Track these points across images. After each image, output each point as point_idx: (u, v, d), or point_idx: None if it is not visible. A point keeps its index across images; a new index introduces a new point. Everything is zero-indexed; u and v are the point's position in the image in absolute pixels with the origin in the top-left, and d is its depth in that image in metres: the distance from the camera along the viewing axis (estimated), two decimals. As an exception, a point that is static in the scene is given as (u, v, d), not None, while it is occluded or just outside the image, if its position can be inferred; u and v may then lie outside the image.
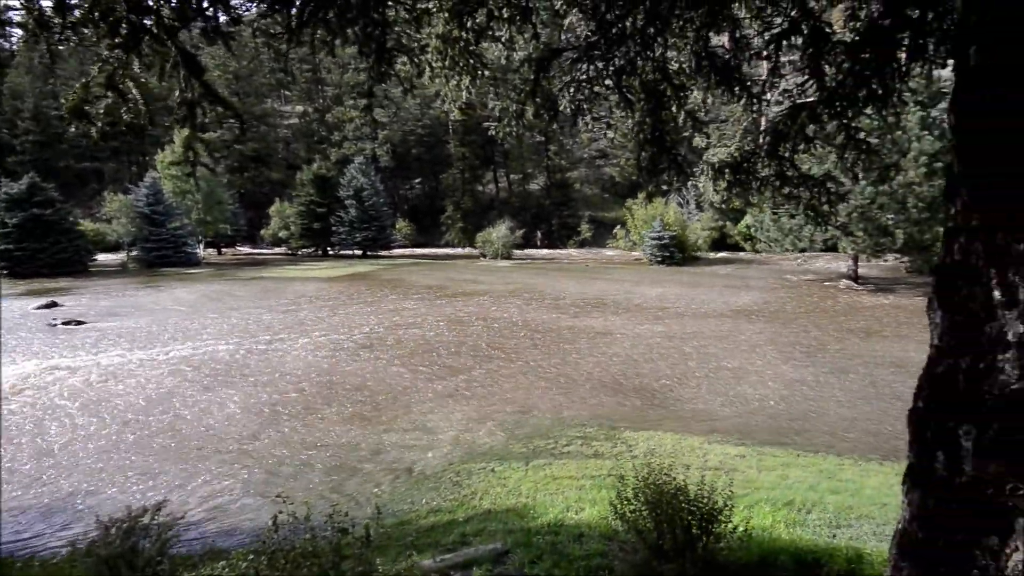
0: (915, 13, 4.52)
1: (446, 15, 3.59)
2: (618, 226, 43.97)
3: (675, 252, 36.41)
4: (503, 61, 5.39)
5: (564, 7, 4.90)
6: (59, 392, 12.07)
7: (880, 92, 4.83)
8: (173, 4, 2.43)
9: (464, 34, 4.08)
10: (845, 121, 5.06)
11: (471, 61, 4.40)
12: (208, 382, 12.65)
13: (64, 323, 19.46)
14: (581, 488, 6.76)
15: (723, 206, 40.44)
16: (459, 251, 50.75)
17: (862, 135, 5.01)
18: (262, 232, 53.88)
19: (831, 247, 27.40)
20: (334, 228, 47.38)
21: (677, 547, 4.23)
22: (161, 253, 39.76)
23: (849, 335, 16.38)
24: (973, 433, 2.19)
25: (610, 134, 52.17)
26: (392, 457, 8.56)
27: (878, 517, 5.96)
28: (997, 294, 2.13)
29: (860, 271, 26.19)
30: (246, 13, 2.97)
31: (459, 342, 15.99)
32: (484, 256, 44.71)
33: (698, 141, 5.74)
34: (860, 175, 20.43)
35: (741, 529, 4.76)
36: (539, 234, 52.78)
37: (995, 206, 2.14)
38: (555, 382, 12.20)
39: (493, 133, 5.16)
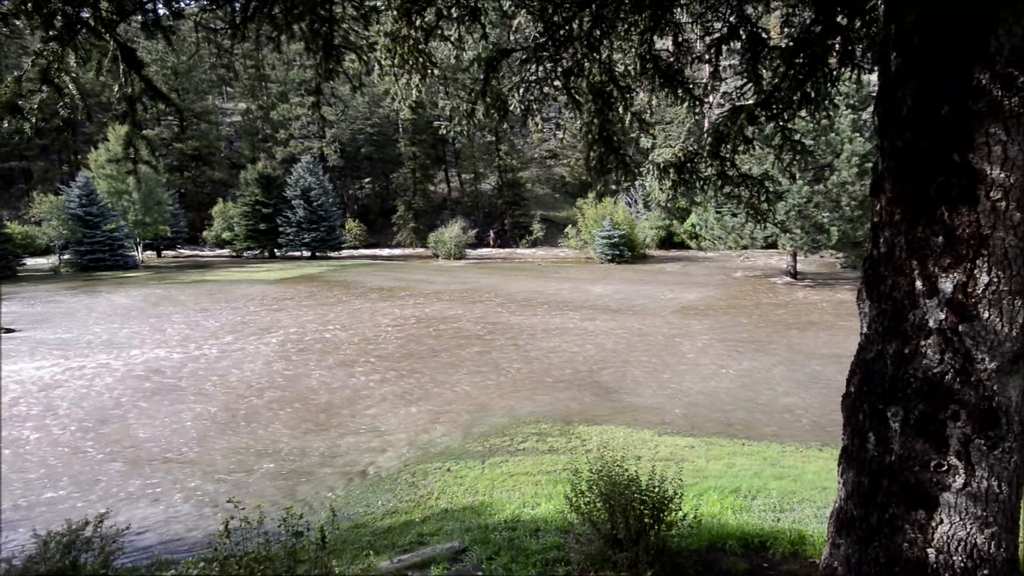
0: (844, 20, 4.80)
1: (395, 13, 3.56)
2: (569, 225, 44.53)
3: (624, 251, 37.21)
4: (453, 60, 5.40)
5: (512, 8, 4.94)
6: (-21, 407, 11.22)
7: (813, 95, 5.11)
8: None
9: (413, 32, 4.05)
10: (781, 123, 5.31)
11: (420, 60, 4.37)
12: (150, 390, 12.04)
13: (-14, 332, 18.07)
14: (537, 483, 6.82)
15: (668, 205, 41.64)
16: (411, 251, 50.17)
17: (797, 136, 5.27)
18: (204, 234, 51.68)
19: (771, 244, 28.66)
20: (281, 229, 45.97)
21: (631, 536, 4.34)
22: (96, 256, 37.51)
23: (789, 329, 17.18)
24: (900, 415, 2.35)
25: (560, 134, 52.80)
26: (346, 461, 8.39)
27: (819, 500, 6.28)
28: (919, 284, 2.30)
29: (798, 267, 27.51)
30: (188, 7, 2.86)
31: (412, 343, 15.83)
32: (437, 256, 44.39)
33: (644, 142, 5.90)
34: (797, 175, 21.46)
35: (691, 516, 4.94)
36: (492, 234, 52.82)
37: (916, 201, 2.31)
38: (510, 380, 12.26)
39: (444, 132, 5.16)
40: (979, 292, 2.20)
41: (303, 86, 52.33)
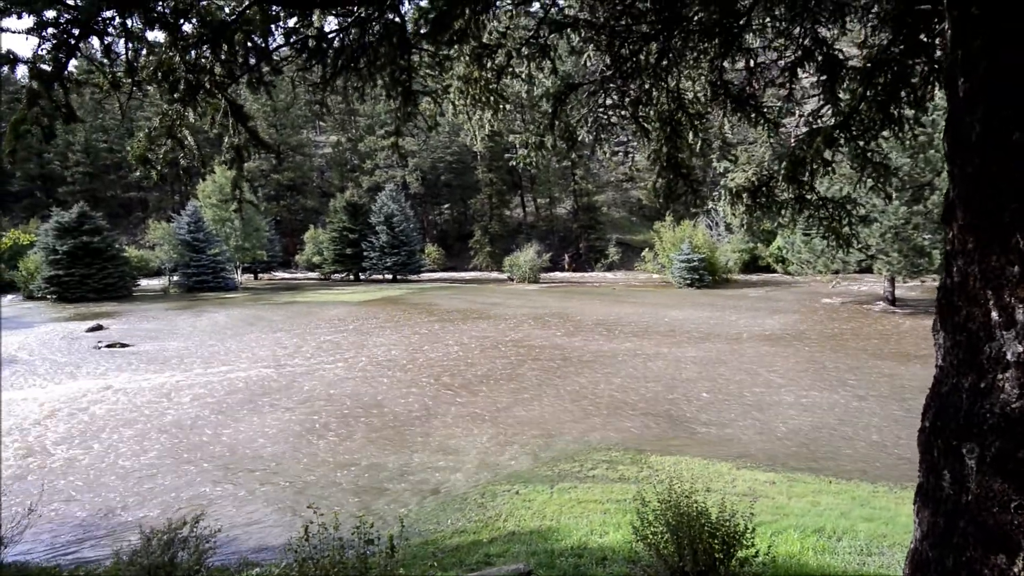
0: (925, 39, 4.61)
1: (467, 58, 3.84)
2: (646, 249, 43.81)
3: (704, 274, 36.04)
4: (524, 95, 5.65)
5: (581, 44, 5.13)
6: (104, 412, 12.62)
7: (896, 116, 4.91)
8: (223, 59, 2.73)
9: (485, 74, 4.33)
10: (862, 144, 5.12)
11: (491, 98, 4.64)
12: (242, 402, 13.05)
13: (108, 346, 20.34)
14: (606, 512, 6.75)
15: (742, 227, 40.01)
16: (487, 275, 51.22)
17: (878, 158, 5.06)
18: (296, 257, 55.59)
19: (866, 269, 26.75)
20: (365, 253, 48.51)
21: (699, 570, 4.24)
22: (200, 278, 41.33)
23: (884, 359, 15.93)
24: (976, 452, 2.23)
25: (632, 159, 52.35)
26: (419, 478, 8.69)
27: (911, 537, 5.81)
28: (995, 315, 2.20)
29: (897, 293, 25.48)
30: (286, 65, 3.27)
31: (485, 365, 16.13)
32: (512, 280, 45.02)
33: (718, 165, 5.85)
34: (893, 195, 20.06)
35: (766, 554, 4.74)
36: (567, 257, 52.92)
37: (989, 229, 2.22)
38: (581, 405, 12.20)
39: (514, 164, 5.39)
40: (1062, 324, 2.07)
41: (388, 120, 55.55)
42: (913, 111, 4.77)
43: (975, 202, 2.27)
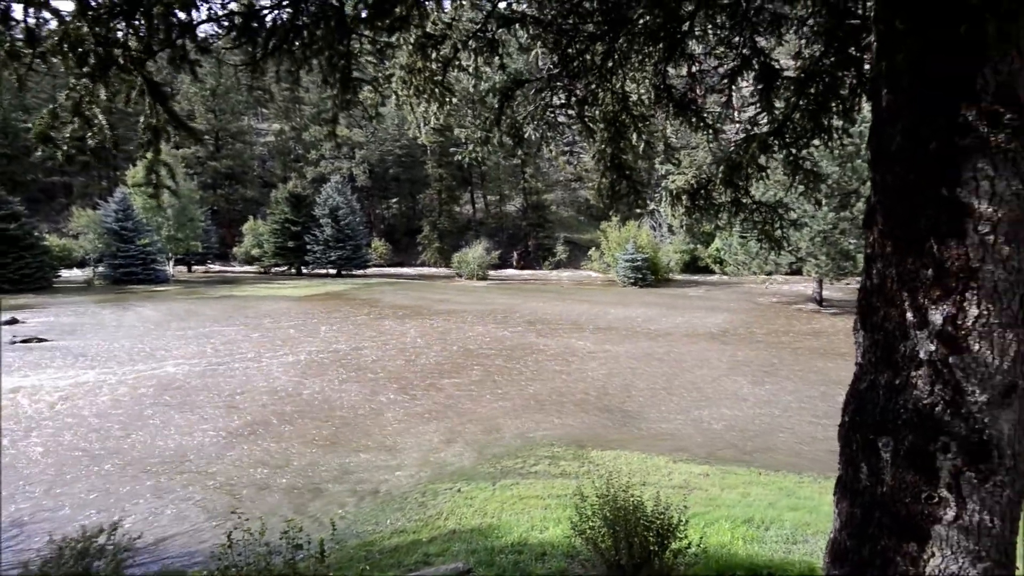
0: (854, 52, 4.84)
1: (410, 47, 3.74)
2: (593, 248, 44.56)
3: (647, 274, 37.04)
4: (471, 90, 5.59)
5: (529, 41, 5.11)
6: (14, 412, 11.67)
7: (826, 125, 5.14)
8: (141, 35, 2.53)
9: (429, 64, 4.24)
10: (794, 152, 5.34)
11: (437, 90, 4.55)
12: (170, 402, 12.37)
13: (23, 341, 18.84)
14: (547, 507, 6.80)
15: (683, 229, 41.42)
16: (435, 271, 50.75)
17: (809, 165, 5.29)
18: (234, 250, 53.24)
19: (796, 271, 28.22)
20: (308, 246, 47.04)
21: (634, 563, 4.33)
22: (129, 270, 38.89)
23: (813, 356, 16.84)
24: (891, 445, 2.35)
25: (574, 161, 53.12)
26: (358, 478, 8.48)
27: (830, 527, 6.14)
28: (910, 315, 2.32)
29: (824, 293, 27.00)
30: (214, 43, 3.08)
31: (430, 362, 15.96)
32: (460, 276, 44.80)
33: (661, 168, 5.98)
34: (823, 202, 21.22)
35: (698, 545, 4.89)
36: (515, 255, 53.15)
37: (906, 235, 2.34)
38: (526, 402, 12.26)
39: (459, 159, 5.32)
40: (969, 324, 2.21)
41: (322, 112, 54.03)
42: (842, 121, 5.01)
43: (894, 209, 2.39)
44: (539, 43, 5.06)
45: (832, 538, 2.70)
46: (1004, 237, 2.14)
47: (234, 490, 8.17)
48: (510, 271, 50.13)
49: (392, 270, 51.71)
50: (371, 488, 8.14)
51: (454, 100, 4.95)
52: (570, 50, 4.98)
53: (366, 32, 3.08)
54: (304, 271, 49.29)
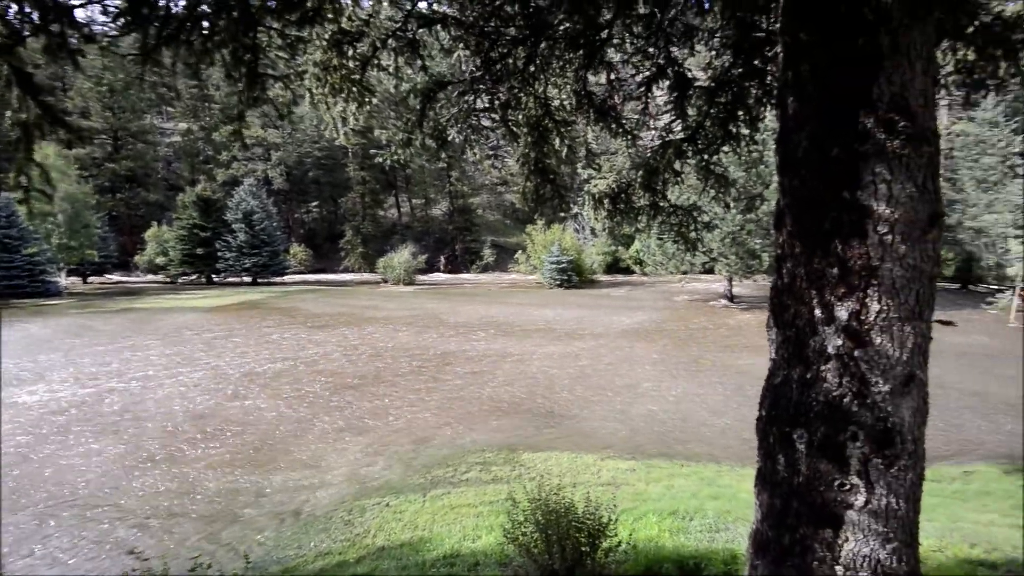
0: (759, 64, 5.11)
1: (325, 43, 3.56)
2: (519, 251, 45.00)
3: (572, 276, 37.88)
4: (392, 90, 5.42)
5: (451, 43, 5.03)
6: None
7: (735, 132, 5.40)
8: (7, 17, 2.22)
9: (346, 62, 4.06)
10: (706, 157, 5.58)
11: (355, 89, 4.37)
12: (63, 428, 11.17)
13: None
14: (479, 515, 6.71)
15: (605, 231, 42.82)
16: (359, 277, 49.32)
17: (720, 170, 5.54)
18: (136, 258, 49.18)
19: (709, 270, 29.84)
20: (220, 253, 44.33)
21: (567, 566, 4.33)
22: (13, 283, 34.89)
23: (727, 351, 17.81)
24: (805, 437, 2.47)
25: (499, 165, 53.55)
26: (277, 500, 8.00)
27: (751, 519, 6.45)
28: (818, 312, 2.45)
29: (734, 291, 28.69)
30: (99, 30, 2.77)
31: (355, 372, 15.43)
32: (386, 282, 43.83)
33: (583, 172, 6.08)
34: (731, 205, 22.53)
35: (628, 542, 4.98)
36: (442, 259, 52.70)
37: (812, 236, 2.46)
38: (455, 408, 12.10)
39: (381, 161, 5.14)
40: (871, 319, 2.35)
41: (225, 111, 51.19)
42: (748, 130, 5.28)
43: (801, 211, 2.51)
44: (461, 45, 5.00)
45: (754, 529, 2.79)
46: (901, 236, 2.29)
47: (138, 522, 7.47)
48: (438, 275, 49.62)
49: (313, 277, 49.71)
50: (292, 509, 7.71)
51: (374, 100, 4.77)
52: (492, 53, 4.95)
53: (274, 25, 2.88)
54: (215, 280, 46.37)
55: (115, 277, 48.95)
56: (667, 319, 24.23)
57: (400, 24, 4.49)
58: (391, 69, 4.74)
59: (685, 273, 30.23)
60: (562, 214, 42.51)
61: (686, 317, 24.77)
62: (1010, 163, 32.72)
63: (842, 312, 2.37)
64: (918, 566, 2.58)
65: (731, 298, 28.23)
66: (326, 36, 3.51)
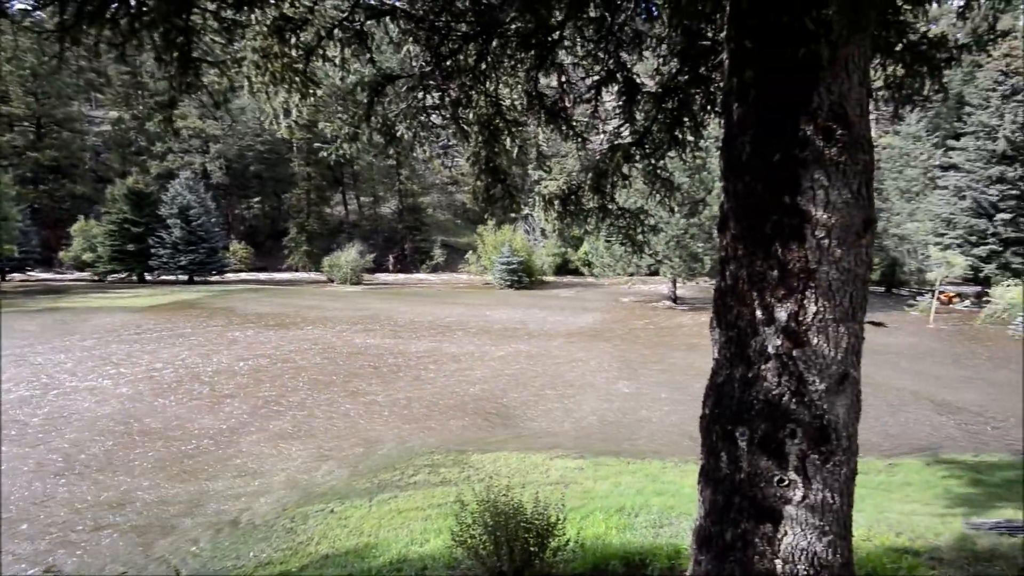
0: (704, 72, 5.25)
1: (265, 29, 3.39)
2: (470, 251, 44.82)
3: (523, 276, 38.05)
4: (340, 83, 5.25)
5: (400, 36, 4.92)
6: None
7: (680, 138, 5.53)
8: None
9: (288, 51, 3.89)
10: (653, 162, 5.69)
11: (298, 79, 4.20)
12: (-29, 438, 10.28)
13: None
14: (427, 518, 6.60)
15: (555, 233, 43.36)
16: (304, 276, 47.82)
17: (666, 175, 5.67)
18: (61, 255, 45.92)
19: (654, 272, 30.65)
20: (153, 250, 41.98)
21: (516, 567, 4.30)
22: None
23: (671, 350, 18.31)
24: (746, 434, 2.53)
25: (450, 163, 53.29)
26: (214, 509, 7.62)
27: (694, 513, 6.63)
28: (759, 313, 2.51)
29: (678, 292, 29.57)
30: (10, 5, 2.54)
31: (299, 374, 14.93)
32: (332, 281, 42.70)
33: (533, 173, 6.07)
34: (675, 209, 23.21)
35: (576, 540, 5.00)
36: (391, 259, 51.83)
37: (754, 238, 2.53)
38: (403, 410, 11.90)
39: (325, 155, 4.97)
40: (809, 320, 2.42)
41: (153, 96, 48.62)
42: (693, 136, 5.42)
43: (744, 215, 2.57)
44: (411, 39, 4.89)
45: (698, 525, 2.85)
46: (837, 241, 2.38)
47: (65, 536, 6.94)
48: (386, 275, 48.77)
49: (254, 275, 47.83)
50: (230, 519, 7.35)
51: (319, 92, 4.61)
52: (443, 49, 4.87)
53: (209, 6, 2.72)
54: (148, 278, 43.91)
55: (37, 274, 45.54)
56: (614, 320, 24.69)
57: (347, 14, 4.36)
58: (337, 61, 4.60)
59: (632, 275, 30.95)
60: (513, 215, 42.66)
61: (632, 318, 25.32)
62: (931, 175, 35.27)
63: (781, 313, 2.44)
64: (851, 557, 2.69)
65: (675, 299, 29.06)
66: (267, 22, 3.35)
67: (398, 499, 7.46)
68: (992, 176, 31.82)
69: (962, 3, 4.82)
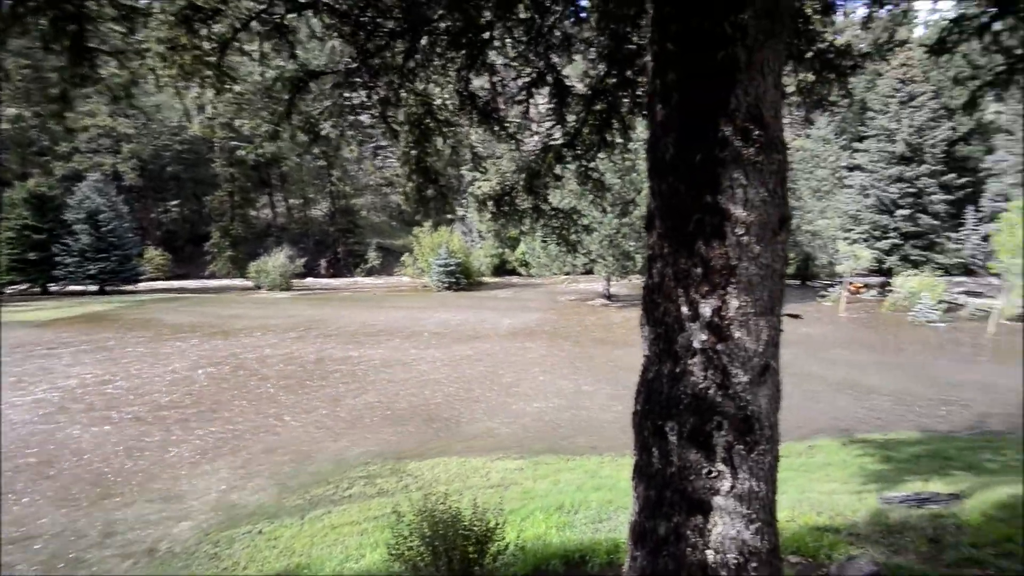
0: (631, 75, 5.37)
1: (171, 19, 3.15)
2: (406, 254, 44.09)
3: (460, 278, 37.83)
4: (258, 77, 4.99)
5: (324, 31, 4.74)
6: None
7: (609, 140, 5.63)
8: None
9: (199, 43, 3.65)
10: (584, 163, 5.77)
11: (212, 74, 3.95)
12: None
13: None
14: (363, 532, 6.40)
15: (490, 233, 43.47)
16: (229, 283, 45.44)
17: (597, 175, 5.76)
18: (-54, 265, 41.41)
19: (589, 270, 31.33)
20: (59, 258, 38.66)
21: (455, 576, 4.22)
22: None
23: (607, 346, 18.73)
24: (676, 429, 2.58)
25: (382, 164, 52.26)
26: (129, 538, 7.05)
27: (630, 509, 6.77)
28: (684, 310, 2.56)
29: (612, 290, 30.34)
30: None
31: (223, 388, 14.14)
32: (259, 288, 40.81)
33: (468, 174, 6.00)
34: (608, 209, 23.78)
35: (516, 543, 4.98)
36: (324, 263, 50.18)
37: (679, 237, 2.58)
38: (337, 421, 11.51)
39: (242, 154, 4.70)
40: (731, 315, 2.49)
41: (45, 87, 45.02)
42: (622, 138, 5.54)
43: (669, 214, 2.62)
44: (335, 34, 4.72)
45: (633, 521, 2.88)
46: (756, 238, 2.46)
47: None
48: (319, 280, 47.17)
49: (173, 284, 45.02)
50: (147, 547, 6.83)
51: (235, 89, 4.37)
52: (369, 45, 4.72)
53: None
54: (53, 289, 40.39)
55: (-84, 287, 40.83)
56: (552, 319, 24.99)
57: (265, 6, 4.14)
58: (255, 55, 4.37)
59: (568, 274, 31.50)
60: (448, 216, 42.37)
61: (569, 316, 25.73)
62: (839, 175, 38.05)
63: (706, 309, 2.50)
64: (777, 541, 2.79)
65: (609, 297, 29.79)
66: (172, 11, 3.11)
67: (332, 514, 7.18)
68: (892, 176, 34.71)
69: (865, 15, 5.22)
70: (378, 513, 6.94)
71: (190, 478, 8.77)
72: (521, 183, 5.88)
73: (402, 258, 44.87)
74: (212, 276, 47.78)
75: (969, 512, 5.17)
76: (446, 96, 5.61)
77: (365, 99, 5.16)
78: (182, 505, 7.87)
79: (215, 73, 3.96)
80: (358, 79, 4.93)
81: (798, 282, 36.96)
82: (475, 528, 4.30)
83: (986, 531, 4.59)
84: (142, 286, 42.31)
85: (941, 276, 30.41)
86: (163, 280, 45.62)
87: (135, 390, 13.81)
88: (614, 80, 5.31)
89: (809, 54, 4.97)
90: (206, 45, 3.89)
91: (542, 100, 6.11)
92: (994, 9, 4.30)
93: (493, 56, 5.57)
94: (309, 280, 45.74)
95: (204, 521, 7.40)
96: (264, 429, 11.00)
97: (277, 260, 41.13)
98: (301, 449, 9.92)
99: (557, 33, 5.40)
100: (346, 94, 4.99)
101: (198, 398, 13.10)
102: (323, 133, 5.01)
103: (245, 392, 13.57)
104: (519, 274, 44.81)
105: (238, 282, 44.69)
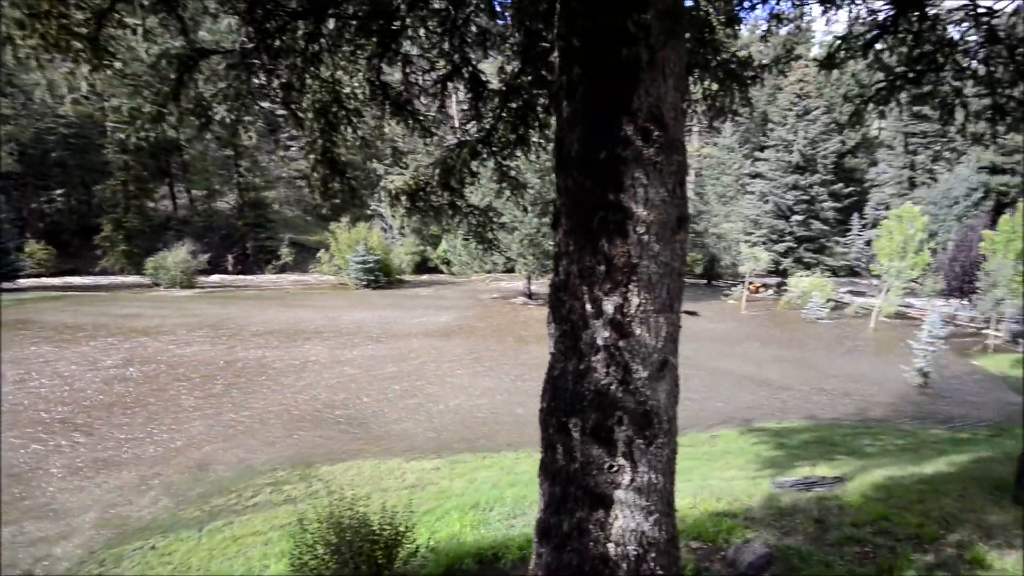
0: (547, 73, 5.39)
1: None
2: (322, 250, 42.37)
3: (380, 276, 36.89)
4: (144, 55, 4.55)
5: (217, 6, 4.41)
6: None
7: (525, 137, 5.63)
8: None
9: (69, 12, 3.26)
10: (500, 160, 5.74)
11: (85, 47, 3.55)
12: None
13: None
14: (268, 543, 6.04)
15: (406, 229, 42.83)
16: (123, 280, 41.70)
17: (513, 173, 5.75)
18: None
19: (511, 269, 31.56)
20: (-89, 252, 33.85)
21: (363, 583, 4.07)
22: None
23: (527, 344, 18.93)
24: (579, 425, 2.59)
25: (296, 155, 50.06)
26: (5, 559, 6.27)
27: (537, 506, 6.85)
28: (588, 307, 2.58)
29: (533, 288, 30.74)
30: None
31: (113, 394, 12.91)
32: (158, 285, 37.77)
33: (379, 166, 5.79)
34: (528, 208, 24.04)
35: (429, 544, 4.88)
36: (231, 259, 47.19)
37: (584, 234, 2.59)
38: (243, 426, 10.83)
39: (122, 136, 4.28)
40: (632, 312, 2.53)
41: None
42: (538, 136, 5.55)
43: (574, 211, 2.63)
44: (230, 10, 4.40)
45: (539, 518, 2.87)
46: (656, 236, 2.52)
47: None
48: (225, 277, 44.32)
49: (58, 280, 40.68)
50: (24, 569, 6.09)
51: (116, 64, 3.95)
52: (268, 25, 4.43)
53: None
54: (-96, 286, 35.29)
55: None
56: (473, 317, 24.93)
57: (148, -26, 3.78)
58: (137, 29, 3.99)
59: (489, 272, 31.55)
60: (360, 210, 41.14)
61: (490, 314, 25.78)
62: (742, 182, 40.72)
63: (609, 306, 2.53)
64: (676, 531, 2.88)
65: (530, 295, 30.15)
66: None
67: (233, 525, 6.73)
68: (788, 183, 37.58)
69: (764, 30, 5.57)
70: (284, 522, 6.58)
71: (75, 493, 7.92)
72: (436, 178, 5.76)
73: (318, 255, 43.10)
74: (104, 272, 43.60)
75: (850, 494, 5.64)
76: (355, 84, 5.40)
77: (264, 82, 4.86)
78: (66, 522, 7.09)
79: (88, 47, 3.56)
80: (256, 61, 4.62)
81: (704, 282, 39.14)
82: (384, 532, 4.17)
83: (865, 511, 5.03)
84: (22, 283, 37.93)
85: (829, 277, 33.34)
86: (46, 276, 41.13)
87: (9, 396, 12.30)
88: (529, 77, 5.32)
89: (713, 63, 5.21)
90: (78, 15, 3.49)
91: (463, 96, 6.01)
92: (876, 31, 4.69)
93: (408, 47, 5.42)
94: (215, 277, 42.88)
95: (89, 538, 6.70)
96: (159, 438, 10.15)
97: (178, 255, 38.22)
98: (200, 458, 9.24)
99: (472, 27, 5.33)
100: (243, 77, 4.66)
101: (87, 406, 11.88)
102: (217, 118, 4.65)
103: (139, 399, 12.47)
104: (441, 272, 44.38)
105: (133, 279, 41.11)
